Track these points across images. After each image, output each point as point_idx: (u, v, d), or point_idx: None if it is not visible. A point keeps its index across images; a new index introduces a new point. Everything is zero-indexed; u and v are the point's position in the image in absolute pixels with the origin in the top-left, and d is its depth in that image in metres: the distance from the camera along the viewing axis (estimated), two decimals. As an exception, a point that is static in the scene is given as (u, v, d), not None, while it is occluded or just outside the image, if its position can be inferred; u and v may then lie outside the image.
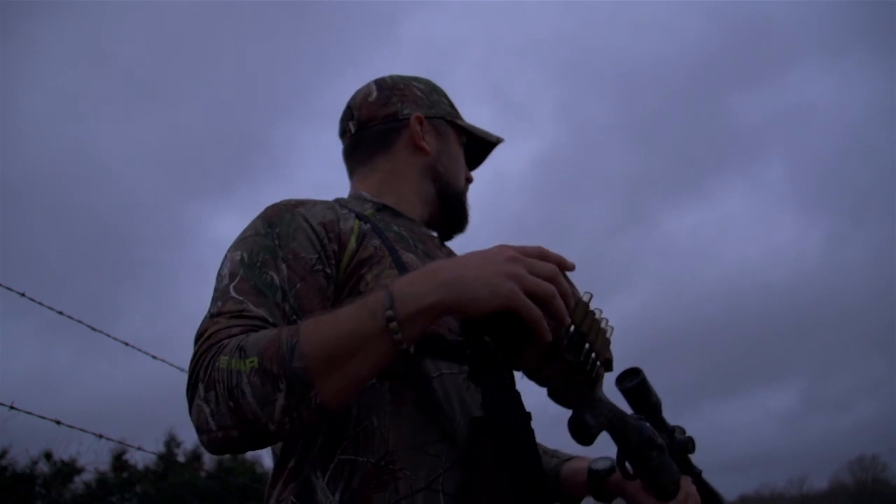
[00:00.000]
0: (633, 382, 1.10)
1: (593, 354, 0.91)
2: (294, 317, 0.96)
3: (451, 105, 1.33)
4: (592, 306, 0.92)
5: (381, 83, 1.28)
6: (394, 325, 0.83)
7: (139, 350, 3.13)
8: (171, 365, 3.24)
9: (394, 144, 1.24)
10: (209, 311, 0.96)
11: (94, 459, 11.64)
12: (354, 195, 1.22)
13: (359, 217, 1.10)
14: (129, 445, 3.95)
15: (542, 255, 0.89)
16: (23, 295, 2.54)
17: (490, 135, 1.34)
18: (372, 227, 1.09)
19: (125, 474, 12.17)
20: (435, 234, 1.27)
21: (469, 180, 1.33)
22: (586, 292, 0.92)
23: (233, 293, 0.95)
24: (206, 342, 0.89)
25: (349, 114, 1.28)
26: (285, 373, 0.82)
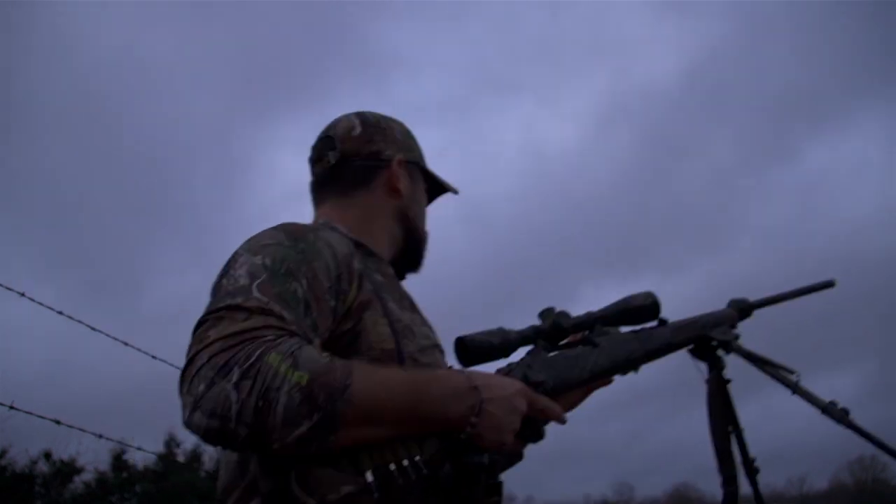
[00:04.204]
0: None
1: None
2: (313, 335, 0.94)
3: (420, 150, 1.36)
4: None
5: (364, 119, 1.30)
6: (470, 430, 0.95)
7: (139, 350, 3.13)
8: (172, 365, 3.24)
9: (373, 183, 1.26)
10: (226, 297, 0.91)
11: (93, 459, 11.63)
12: (327, 224, 1.21)
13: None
14: (128, 445, 3.96)
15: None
16: (22, 295, 2.54)
17: (450, 185, 1.38)
18: (363, 268, 1.11)
19: (125, 474, 12.16)
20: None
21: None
22: None
23: (256, 293, 0.91)
24: (245, 334, 0.86)
25: (330, 143, 1.28)
26: (326, 406, 0.83)
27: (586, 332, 1.22)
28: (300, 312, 0.93)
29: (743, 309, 1.45)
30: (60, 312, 2.73)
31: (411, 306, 1.22)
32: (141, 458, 12.62)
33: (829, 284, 1.56)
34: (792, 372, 1.31)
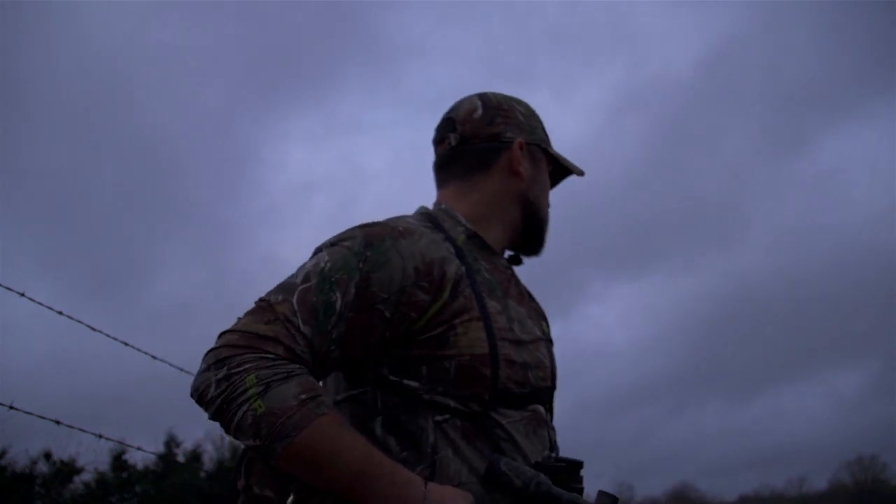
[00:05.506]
0: None
1: None
2: (333, 346, 1.02)
3: (545, 131, 1.36)
4: None
5: (486, 101, 1.31)
6: None
7: (139, 350, 3.13)
8: (172, 365, 3.24)
9: (493, 166, 1.27)
10: (274, 291, 1.04)
11: (93, 459, 11.63)
12: (447, 211, 1.25)
13: (457, 254, 1.14)
14: (128, 445, 3.96)
15: None
16: (22, 295, 2.54)
17: (575, 167, 1.37)
18: (466, 269, 1.13)
19: (125, 474, 12.16)
20: (508, 256, 1.31)
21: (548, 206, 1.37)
22: None
23: (295, 300, 1.02)
24: (257, 340, 0.97)
25: (450, 125, 1.30)
26: (265, 440, 0.93)
27: None
28: (328, 324, 1.01)
29: None
30: (60, 312, 2.74)
31: (519, 297, 1.23)
32: (141, 458, 12.63)
33: None
34: None
